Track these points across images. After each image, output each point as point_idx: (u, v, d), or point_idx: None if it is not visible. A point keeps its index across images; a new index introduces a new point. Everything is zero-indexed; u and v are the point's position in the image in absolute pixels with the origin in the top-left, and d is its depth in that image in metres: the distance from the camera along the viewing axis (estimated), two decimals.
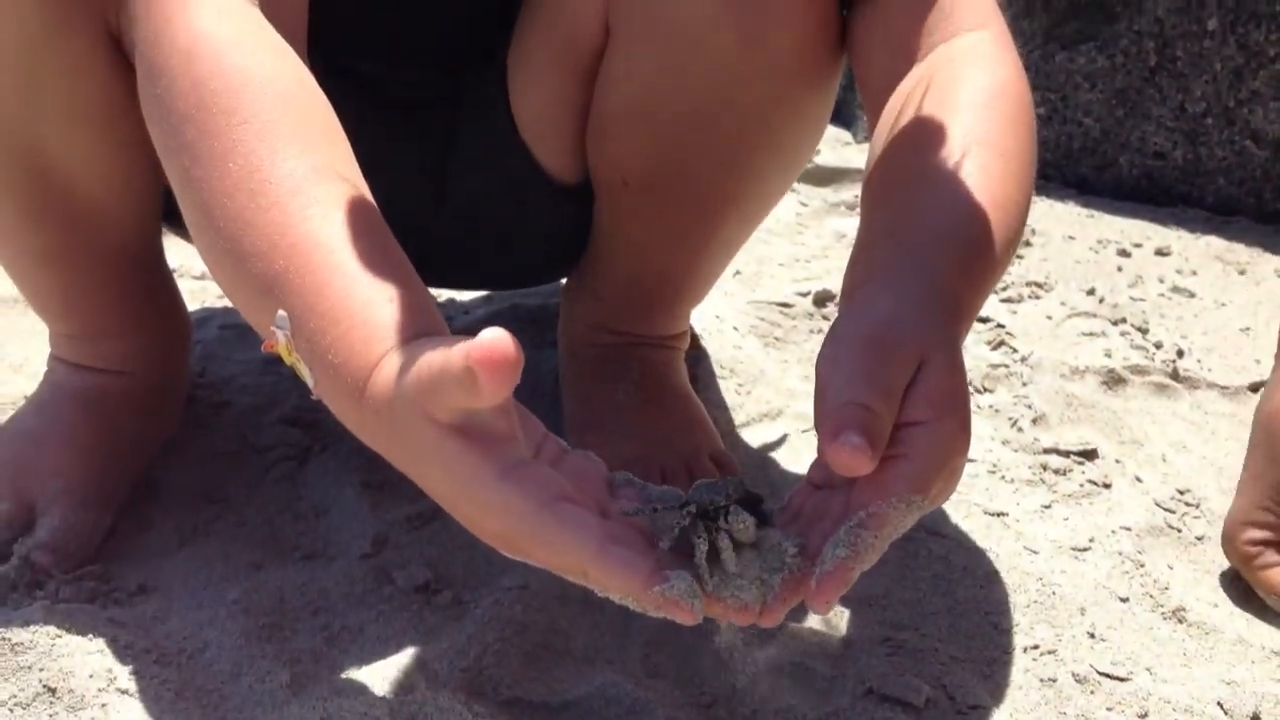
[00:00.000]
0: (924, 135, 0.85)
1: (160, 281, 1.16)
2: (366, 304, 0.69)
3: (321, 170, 0.75)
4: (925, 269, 0.74)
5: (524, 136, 1.09)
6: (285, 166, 0.74)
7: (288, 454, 1.21)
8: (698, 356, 1.40)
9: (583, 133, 1.07)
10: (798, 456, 1.24)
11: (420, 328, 0.69)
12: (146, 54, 0.83)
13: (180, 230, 1.18)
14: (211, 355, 1.40)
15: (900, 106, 0.89)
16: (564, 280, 1.29)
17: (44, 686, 0.88)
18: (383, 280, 0.70)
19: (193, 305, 1.29)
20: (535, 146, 1.10)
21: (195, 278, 1.56)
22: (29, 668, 0.89)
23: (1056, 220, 1.91)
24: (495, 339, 0.57)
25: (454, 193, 1.16)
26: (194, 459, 1.21)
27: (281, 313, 0.71)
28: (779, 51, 0.95)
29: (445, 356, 0.61)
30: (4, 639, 0.90)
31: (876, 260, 0.77)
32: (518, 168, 1.11)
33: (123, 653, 0.91)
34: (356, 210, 0.74)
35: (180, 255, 1.20)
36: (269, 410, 1.29)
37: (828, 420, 0.63)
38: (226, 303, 1.54)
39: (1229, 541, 1.07)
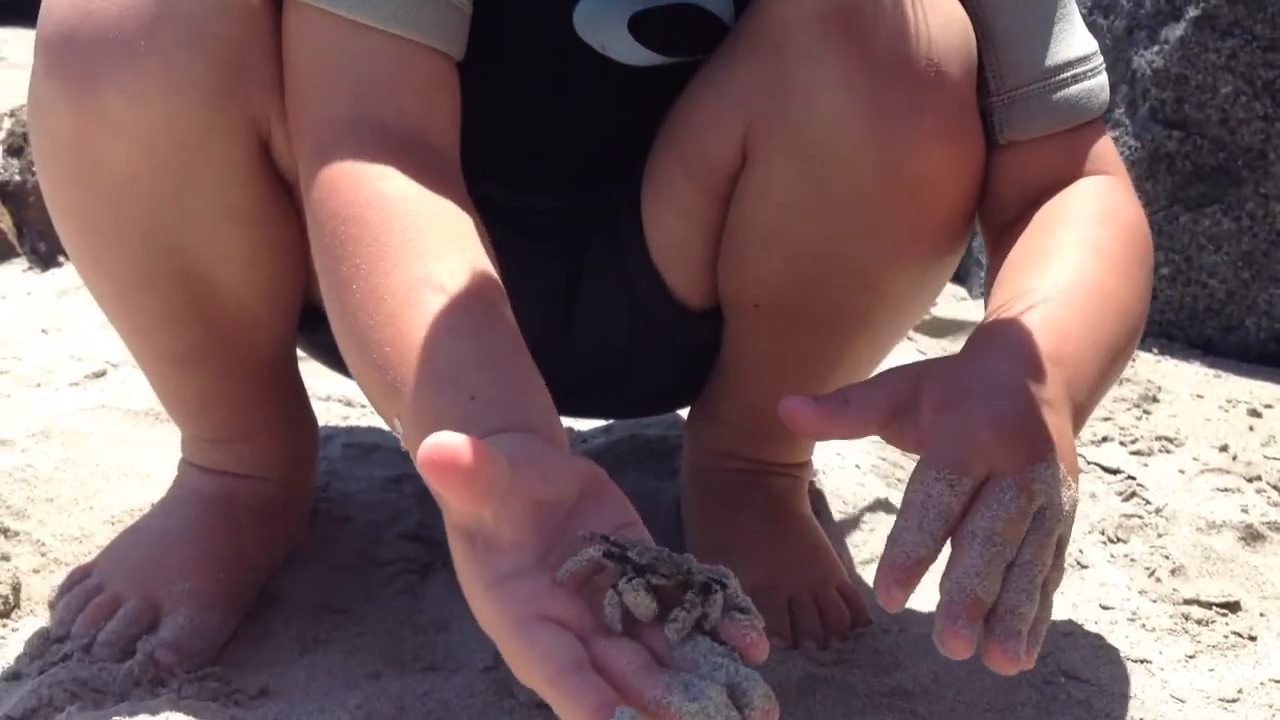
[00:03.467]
0: (1035, 241, 0.94)
1: (292, 388, 1.18)
2: (450, 409, 0.74)
3: (428, 280, 0.80)
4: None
5: (655, 260, 1.09)
6: (398, 279, 0.80)
7: (409, 569, 1.21)
8: (816, 492, 1.37)
9: (714, 256, 1.08)
10: (927, 596, 1.20)
11: (498, 425, 0.72)
12: (305, 187, 0.90)
13: (304, 343, 1.20)
14: (335, 472, 1.40)
15: (1020, 232, 0.96)
16: (687, 409, 1.28)
17: None
18: (466, 383, 0.75)
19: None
20: (666, 270, 1.10)
21: (320, 399, 1.58)
22: None
23: (1182, 379, 1.87)
24: (434, 443, 0.62)
25: (582, 318, 1.16)
26: (316, 570, 1.20)
27: (396, 419, 0.79)
28: (918, 179, 0.96)
29: None
30: None
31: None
32: (647, 292, 1.11)
33: None
34: (459, 312, 0.79)
35: (305, 375, 1.22)
36: (390, 526, 1.29)
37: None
38: (350, 422, 1.56)
39: None
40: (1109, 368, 0.89)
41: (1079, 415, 0.84)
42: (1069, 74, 0.99)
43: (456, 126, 0.93)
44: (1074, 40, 1.00)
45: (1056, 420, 0.79)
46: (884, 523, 1.35)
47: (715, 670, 0.65)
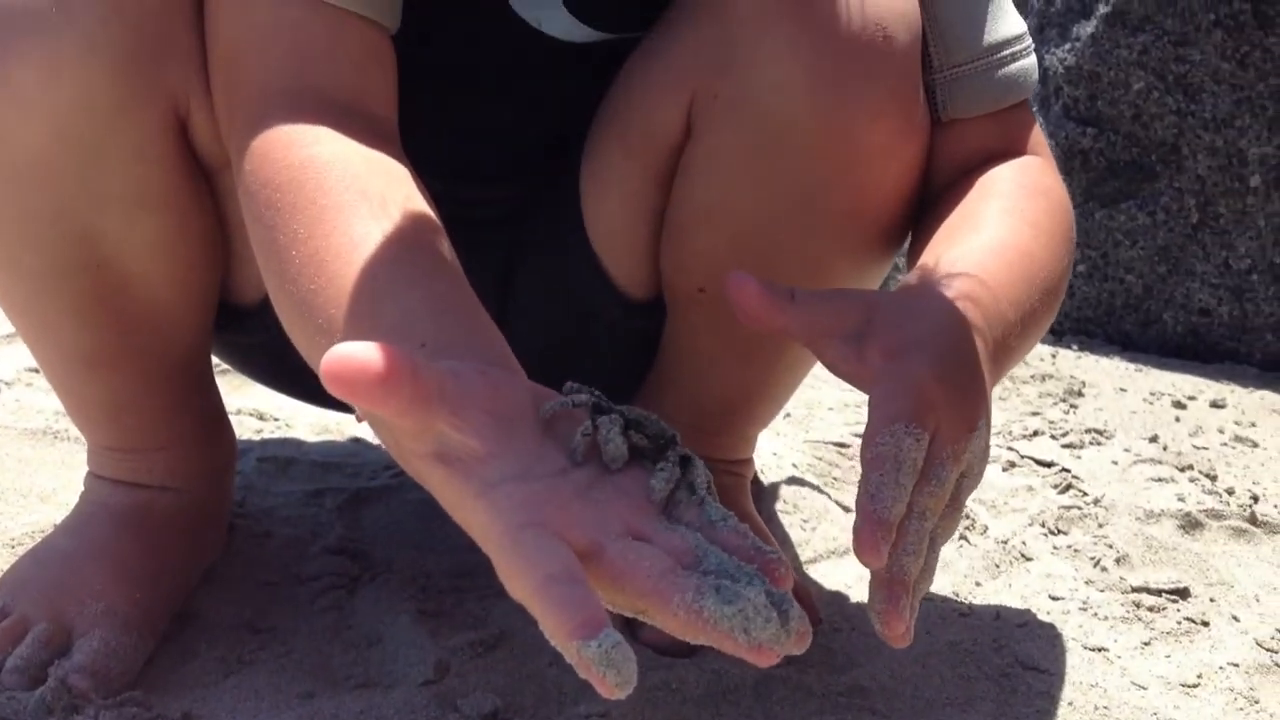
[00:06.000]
0: (968, 207, 0.93)
1: (208, 394, 1.11)
2: None
3: (369, 237, 0.75)
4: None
5: (595, 247, 1.05)
6: (338, 240, 0.76)
7: (335, 583, 1.15)
8: (757, 492, 1.34)
9: (656, 242, 1.04)
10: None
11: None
12: (235, 163, 0.85)
13: (219, 346, 1.13)
14: (251, 487, 1.34)
15: (948, 200, 0.96)
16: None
17: None
18: (415, 331, 0.71)
19: None
20: (606, 257, 1.05)
21: (231, 413, 1.50)
22: None
23: (1104, 374, 1.87)
24: (335, 354, 0.57)
25: (519, 312, 1.11)
26: (236, 589, 1.14)
27: None
28: (866, 148, 0.93)
29: None
30: None
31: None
32: (587, 282, 1.07)
33: None
34: (404, 264, 0.76)
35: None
36: (313, 541, 1.23)
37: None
38: (264, 435, 1.49)
39: None
40: (1028, 332, 0.90)
41: (994, 375, 0.85)
42: (1007, 52, 0.98)
43: (394, 99, 0.89)
44: (1009, 18, 1.00)
45: (985, 382, 0.80)
46: (824, 521, 1.31)
47: (750, 579, 0.60)
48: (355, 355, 0.57)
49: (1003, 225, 0.91)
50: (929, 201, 1.00)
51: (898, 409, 0.73)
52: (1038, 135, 1.02)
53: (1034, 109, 2.04)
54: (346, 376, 0.57)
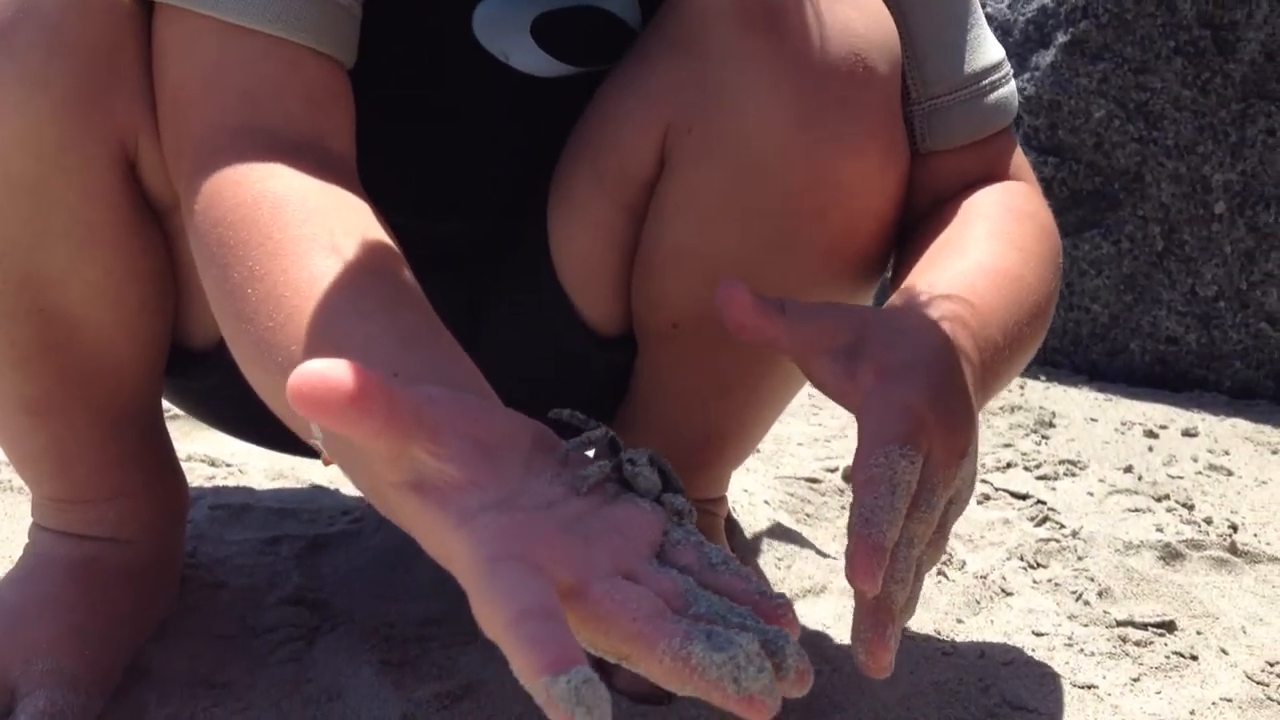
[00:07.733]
0: (954, 231, 0.91)
1: (159, 442, 1.07)
2: None
3: (329, 271, 0.72)
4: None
5: (563, 282, 1.01)
6: (297, 275, 0.72)
7: (293, 635, 1.10)
8: (731, 529, 1.30)
9: (627, 278, 1.00)
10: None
11: None
12: (185, 205, 0.81)
13: (171, 392, 1.09)
14: (203, 535, 1.29)
15: (926, 228, 0.93)
16: None
17: None
18: (384, 361, 0.67)
19: None
20: (575, 293, 1.02)
21: (181, 459, 1.46)
22: None
23: (1073, 404, 1.85)
24: (303, 370, 0.52)
25: (485, 349, 1.07)
26: (189, 642, 1.09)
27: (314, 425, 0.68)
28: (848, 183, 0.90)
29: None
30: None
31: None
32: (555, 319, 1.03)
33: None
34: (368, 295, 0.72)
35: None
36: (269, 591, 1.18)
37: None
38: (216, 482, 1.44)
39: None
40: (1015, 357, 0.88)
41: (981, 400, 0.82)
42: (986, 81, 0.96)
43: (350, 135, 0.85)
44: (988, 47, 0.97)
45: (974, 407, 0.78)
46: (799, 559, 1.28)
47: (744, 620, 0.56)
48: (326, 373, 0.52)
49: (990, 248, 0.88)
50: (909, 228, 0.97)
51: (892, 430, 0.70)
52: (1020, 159, 1.00)
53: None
54: (316, 395, 0.52)
